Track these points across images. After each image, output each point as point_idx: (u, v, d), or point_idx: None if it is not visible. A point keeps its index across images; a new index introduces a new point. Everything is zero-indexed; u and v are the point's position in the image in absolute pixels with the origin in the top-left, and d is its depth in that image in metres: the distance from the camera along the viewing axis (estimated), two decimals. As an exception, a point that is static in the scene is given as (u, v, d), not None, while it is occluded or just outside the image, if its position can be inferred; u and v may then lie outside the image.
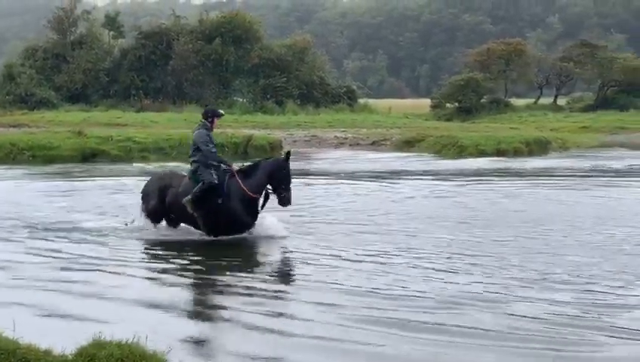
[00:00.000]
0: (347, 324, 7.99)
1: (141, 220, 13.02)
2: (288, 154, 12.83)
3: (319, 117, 47.39)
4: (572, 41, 66.89)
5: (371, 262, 10.95)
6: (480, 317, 8.25)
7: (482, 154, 30.71)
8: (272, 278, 10.53)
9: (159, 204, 12.72)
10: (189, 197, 12.19)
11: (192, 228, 12.69)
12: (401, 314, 8.34)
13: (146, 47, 55.77)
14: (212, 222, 12.38)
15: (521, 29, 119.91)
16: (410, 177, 22.89)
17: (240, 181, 12.36)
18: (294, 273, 10.88)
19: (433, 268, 10.52)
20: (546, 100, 60.50)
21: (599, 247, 11.99)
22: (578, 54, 58.44)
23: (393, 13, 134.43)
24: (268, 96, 54.40)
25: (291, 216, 13.91)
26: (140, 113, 47.97)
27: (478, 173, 24.19)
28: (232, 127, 38.31)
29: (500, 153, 31.05)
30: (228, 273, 10.40)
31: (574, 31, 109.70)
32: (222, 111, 13.35)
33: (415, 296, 9.08)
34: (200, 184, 12.20)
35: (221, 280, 10.07)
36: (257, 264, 11.65)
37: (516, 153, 31.31)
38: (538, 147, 32.99)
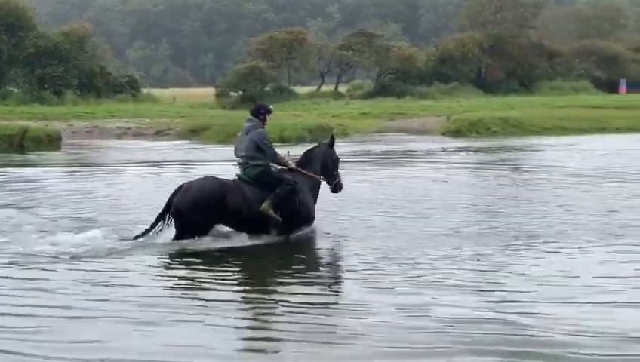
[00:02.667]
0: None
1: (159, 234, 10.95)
2: (332, 139, 12.18)
3: (100, 107, 45.83)
4: (351, 30, 68.96)
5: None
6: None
7: (267, 141, 30.99)
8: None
9: (215, 216, 10.84)
10: (270, 201, 10.97)
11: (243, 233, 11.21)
12: None
13: None
14: (290, 221, 11.24)
15: (303, 18, 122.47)
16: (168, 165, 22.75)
17: (303, 170, 11.65)
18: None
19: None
20: (327, 88, 62.05)
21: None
22: (357, 43, 60.32)
23: (175, 1, 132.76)
24: (45, 86, 51.92)
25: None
26: None
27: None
28: (7, 118, 36.43)
29: (283, 140, 31.43)
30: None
31: (353, 20, 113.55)
32: (272, 107, 11.89)
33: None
34: (282, 186, 11.10)
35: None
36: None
37: (299, 139, 31.84)
38: (320, 133, 33.72)
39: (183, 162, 23.78)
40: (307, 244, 11.40)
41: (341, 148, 28.35)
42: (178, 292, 8.74)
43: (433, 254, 10.26)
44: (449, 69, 60.59)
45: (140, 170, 21.38)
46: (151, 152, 27.77)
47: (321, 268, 10.17)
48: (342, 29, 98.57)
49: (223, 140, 31.88)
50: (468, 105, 46.93)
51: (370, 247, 10.76)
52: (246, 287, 9.22)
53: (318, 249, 11.34)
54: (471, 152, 27.33)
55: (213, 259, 10.25)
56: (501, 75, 61.83)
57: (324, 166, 11.89)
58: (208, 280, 9.18)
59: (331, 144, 12.04)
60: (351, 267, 9.79)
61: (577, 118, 38.78)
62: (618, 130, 36.32)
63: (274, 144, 11.61)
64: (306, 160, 11.84)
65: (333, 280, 9.46)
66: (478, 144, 30.25)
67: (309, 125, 34.49)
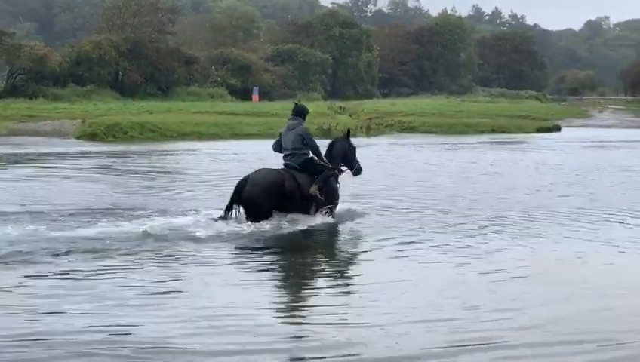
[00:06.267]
0: None
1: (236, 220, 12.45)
2: (349, 131, 14.69)
3: None
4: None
5: None
6: None
7: None
8: None
9: (277, 200, 12.60)
10: (316, 184, 12.95)
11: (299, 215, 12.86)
12: None
13: None
14: (329, 203, 13.23)
15: None
16: None
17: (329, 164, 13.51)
18: None
19: None
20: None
21: None
22: (-13, 40, 56.53)
23: None
24: None
25: None
26: None
27: None
28: None
29: None
30: None
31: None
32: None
33: None
34: (324, 173, 13.11)
35: None
36: None
37: None
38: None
39: None
40: None
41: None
42: None
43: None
44: (85, 71, 59.13)
45: None
46: None
47: None
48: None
49: None
50: (105, 108, 46.04)
51: None
52: None
53: None
54: (100, 156, 26.62)
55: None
56: (139, 79, 61.59)
57: (344, 156, 13.82)
58: None
59: (347, 136, 14.22)
60: None
61: (213, 124, 39.76)
62: (250, 136, 37.82)
63: None
64: (331, 153, 13.68)
65: None
66: (108, 148, 29.69)
67: None
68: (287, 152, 13.27)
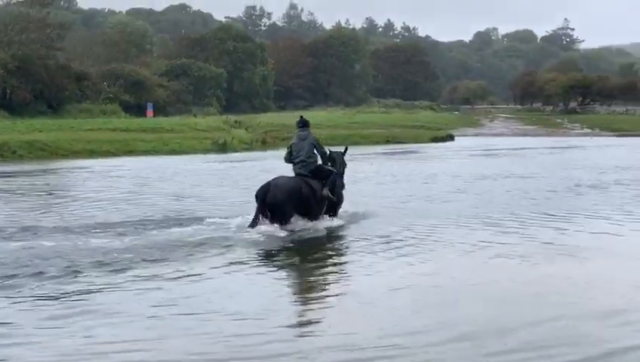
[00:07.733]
0: None
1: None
2: (346, 149, 15.90)
3: None
4: None
5: None
6: None
7: None
8: None
9: (297, 204, 13.78)
10: (327, 187, 14.36)
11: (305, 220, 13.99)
12: None
13: None
14: (336, 204, 14.67)
15: None
16: None
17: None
18: None
19: None
20: None
21: None
22: None
23: None
24: None
25: None
26: None
27: None
28: None
29: None
30: None
31: None
32: None
33: None
34: (331, 177, 14.54)
35: None
36: None
37: None
38: None
39: None
40: None
41: None
42: None
43: None
44: (-29, 90, 57.27)
45: None
46: None
47: None
48: None
49: None
50: (-8, 128, 44.60)
51: None
52: None
53: None
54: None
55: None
56: (28, 97, 59.91)
57: (340, 164, 15.39)
58: None
59: (344, 152, 15.70)
60: None
61: (106, 141, 39.06)
62: (145, 152, 37.37)
63: None
64: (335, 161, 15.17)
65: None
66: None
67: None
68: (298, 160, 14.58)
